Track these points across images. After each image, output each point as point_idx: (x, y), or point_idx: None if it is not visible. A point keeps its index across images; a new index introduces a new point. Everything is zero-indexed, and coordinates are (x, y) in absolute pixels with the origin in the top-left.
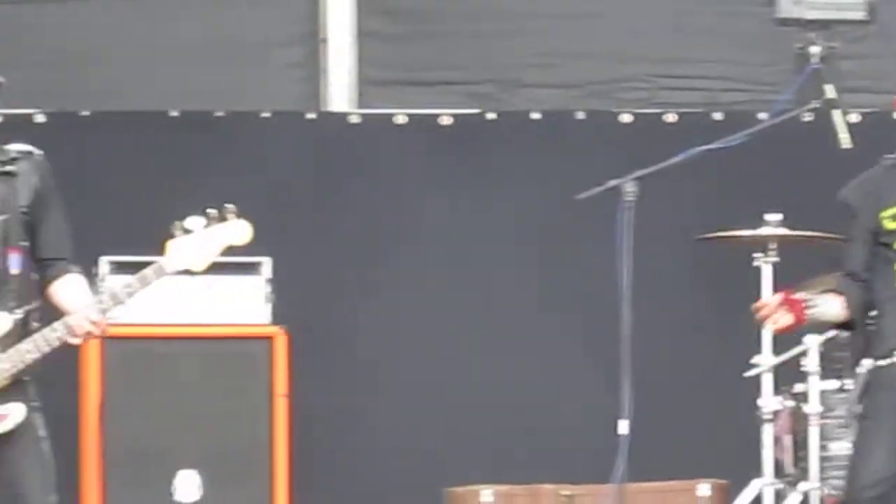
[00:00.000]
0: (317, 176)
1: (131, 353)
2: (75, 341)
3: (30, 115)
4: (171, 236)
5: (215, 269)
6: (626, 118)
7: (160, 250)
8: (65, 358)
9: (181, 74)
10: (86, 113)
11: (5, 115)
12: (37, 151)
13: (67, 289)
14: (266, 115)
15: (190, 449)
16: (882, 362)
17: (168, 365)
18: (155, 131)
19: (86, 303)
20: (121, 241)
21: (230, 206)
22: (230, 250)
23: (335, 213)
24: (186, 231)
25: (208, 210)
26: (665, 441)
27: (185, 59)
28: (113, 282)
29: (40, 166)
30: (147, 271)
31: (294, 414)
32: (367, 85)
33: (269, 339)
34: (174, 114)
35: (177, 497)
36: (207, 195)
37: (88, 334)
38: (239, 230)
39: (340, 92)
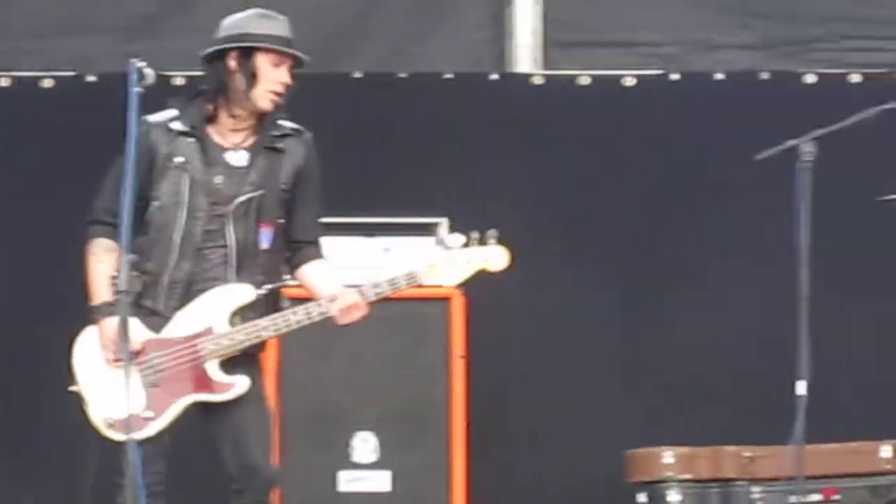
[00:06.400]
0: (498, 137)
1: None
2: (342, 321)
3: None
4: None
5: (392, 229)
6: (810, 79)
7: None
8: None
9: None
10: None
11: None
12: (307, 132)
13: (317, 273)
14: (449, 76)
15: (367, 411)
16: None
17: (345, 327)
18: (337, 93)
19: (345, 289)
20: None
21: (492, 232)
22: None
23: (515, 174)
24: (446, 247)
25: (470, 232)
26: (845, 401)
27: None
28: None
29: (307, 146)
30: (400, 278)
31: (472, 375)
32: (552, 46)
33: (446, 300)
34: (358, 75)
35: (354, 458)
36: (388, 156)
37: (351, 316)
38: (497, 256)
39: (525, 53)
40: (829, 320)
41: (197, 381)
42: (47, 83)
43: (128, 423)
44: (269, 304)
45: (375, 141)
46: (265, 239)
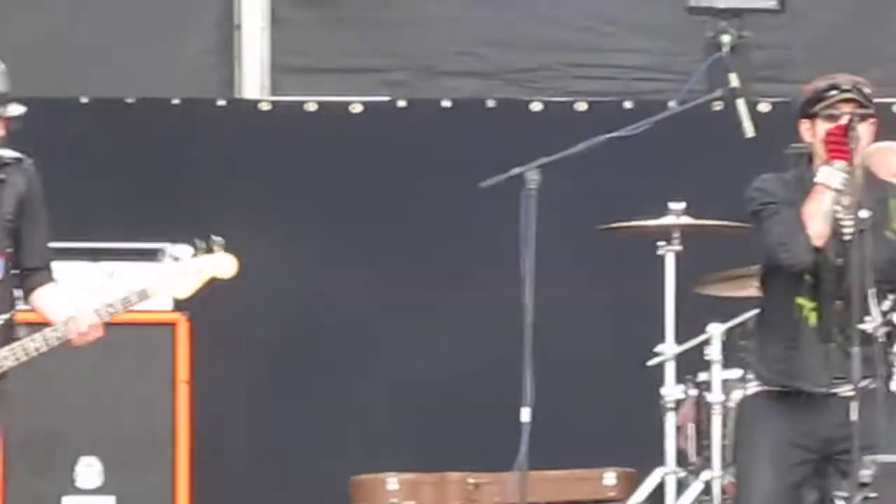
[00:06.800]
0: (226, 163)
1: None
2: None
3: None
4: (158, 260)
5: (116, 254)
6: (536, 107)
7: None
8: None
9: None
10: None
11: None
12: (27, 159)
13: (50, 298)
14: (176, 101)
15: (91, 436)
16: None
17: (70, 351)
18: (65, 118)
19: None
20: None
21: (218, 239)
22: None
23: (240, 200)
24: (174, 259)
25: (196, 241)
26: (570, 429)
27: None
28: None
29: (28, 174)
30: (131, 295)
31: (197, 401)
32: (280, 72)
33: (171, 325)
34: (85, 100)
35: (78, 484)
36: (115, 180)
37: (87, 338)
38: (225, 263)
39: (253, 79)
40: (554, 347)
41: None
42: None
43: None
44: (6, 334)
45: (102, 166)
46: None
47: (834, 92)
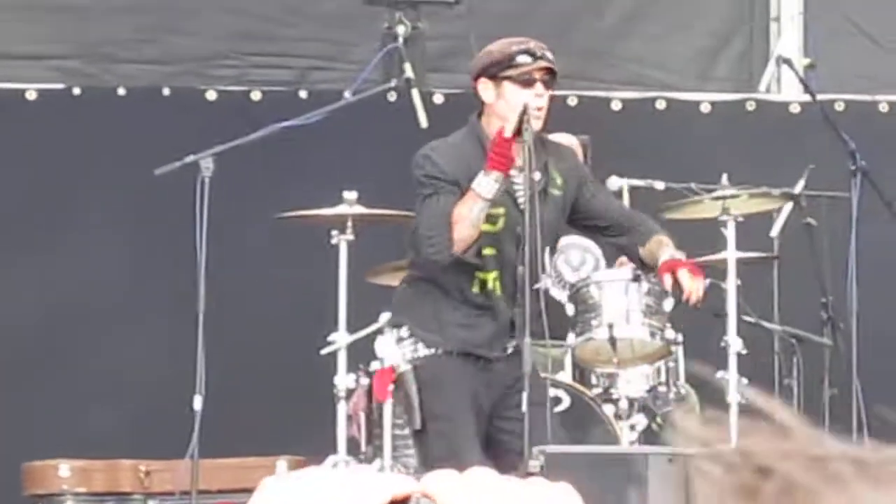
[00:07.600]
0: None
1: None
2: None
3: None
4: None
5: None
6: (211, 95)
7: None
8: None
9: None
10: None
11: None
12: None
13: None
14: None
15: None
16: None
17: None
18: None
19: None
20: None
21: None
22: None
23: None
24: None
25: None
26: (243, 417)
27: None
28: None
29: None
30: None
31: None
32: None
33: None
34: None
35: None
36: None
37: None
38: None
39: None
40: (228, 335)
41: None
42: None
43: None
44: None
45: None
46: None
47: (528, 59)
